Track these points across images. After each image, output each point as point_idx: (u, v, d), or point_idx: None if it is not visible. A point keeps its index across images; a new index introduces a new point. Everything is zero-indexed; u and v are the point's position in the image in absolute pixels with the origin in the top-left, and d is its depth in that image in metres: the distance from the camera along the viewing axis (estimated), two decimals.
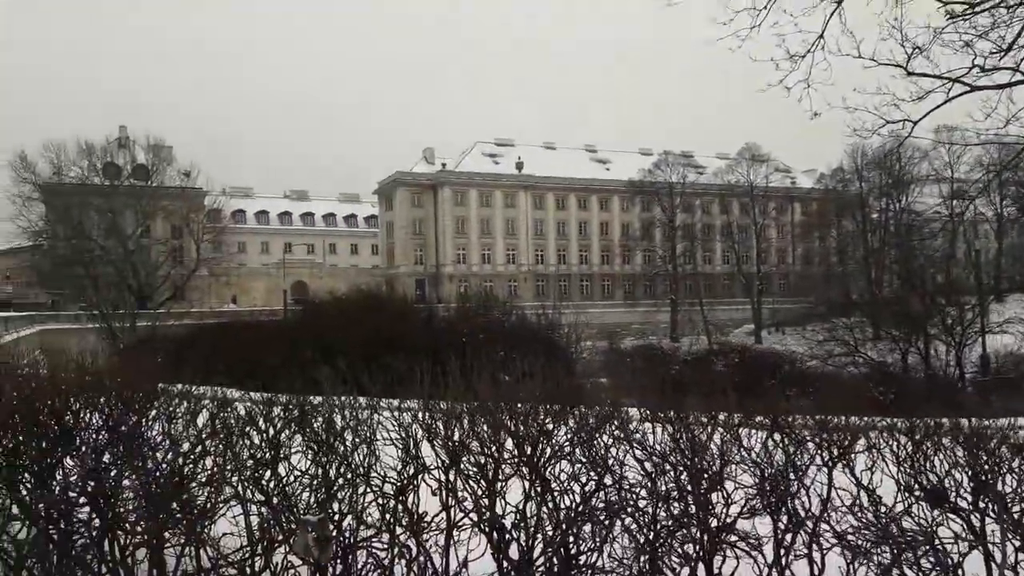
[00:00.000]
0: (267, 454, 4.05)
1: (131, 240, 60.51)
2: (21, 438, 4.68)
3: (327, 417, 4.00)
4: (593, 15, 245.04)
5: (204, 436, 4.51)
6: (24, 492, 4.42)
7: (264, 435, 4.09)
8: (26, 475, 4.52)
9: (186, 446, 4.63)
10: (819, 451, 4.24)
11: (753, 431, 4.41)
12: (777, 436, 4.27)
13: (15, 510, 4.26)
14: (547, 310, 24.58)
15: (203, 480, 4.26)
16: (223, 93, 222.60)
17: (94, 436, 4.68)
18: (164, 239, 67.55)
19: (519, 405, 4.16)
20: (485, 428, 3.96)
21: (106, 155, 65.48)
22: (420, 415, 4.05)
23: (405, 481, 3.82)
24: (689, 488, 4.05)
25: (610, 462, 4.05)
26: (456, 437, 3.85)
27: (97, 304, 41.51)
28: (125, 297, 47.55)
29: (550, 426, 4.06)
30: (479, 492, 3.82)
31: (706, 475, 4.06)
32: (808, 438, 4.26)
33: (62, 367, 5.46)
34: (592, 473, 3.99)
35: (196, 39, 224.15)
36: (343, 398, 4.27)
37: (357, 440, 3.90)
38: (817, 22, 10.12)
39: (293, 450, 4.12)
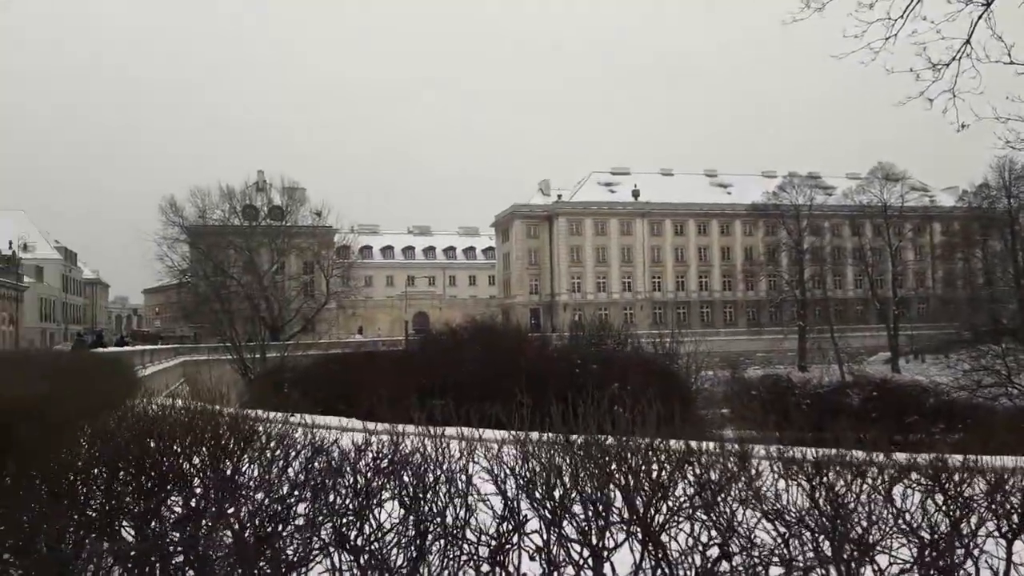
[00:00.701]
0: (358, 502, 3.79)
1: (266, 276, 63.96)
2: (126, 479, 4.70)
3: (421, 465, 3.69)
4: (710, 38, 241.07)
5: (299, 481, 4.36)
6: (124, 536, 4.41)
7: (355, 481, 3.83)
8: (125, 520, 4.50)
9: (284, 489, 4.50)
10: (993, 516, 3.53)
11: (909, 487, 3.75)
12: (939, 496, 3.59)
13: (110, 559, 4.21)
14: (664, 338, 23.62)
15: (293, 530, 4.08)
16: (353, 135, 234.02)
17: (193, 480, 4.62)
18: (297, 275, 71.25)
19: (630, 456, 3.70)
20: (591, 483, 3.53)
21: (245, 198, 69.92)
22: (520, 462, 3.66)
23: (502, 540, 3.45)
24: (831, 557, 3.45)
25: (737, 523, 3.51)
26: (557, 496, 3.43)
27: (232, 337, 43.85)
28: (258, 330, 50.10)
29: (665, 477, 3.57)
30: (584, 556, 3.38)
31: (852, 543, 3.45)
32: (979, 500, 3.56)
33: (167, 414, 5.43)
34: (715, 536, 3.46)
35: (329, 83, 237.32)
36: (439, 442, 3.95)
37: (452, 492, 3.56)
38: (960, 28, 9.14)
39: (386, 497, 3.85)
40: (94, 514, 4.51)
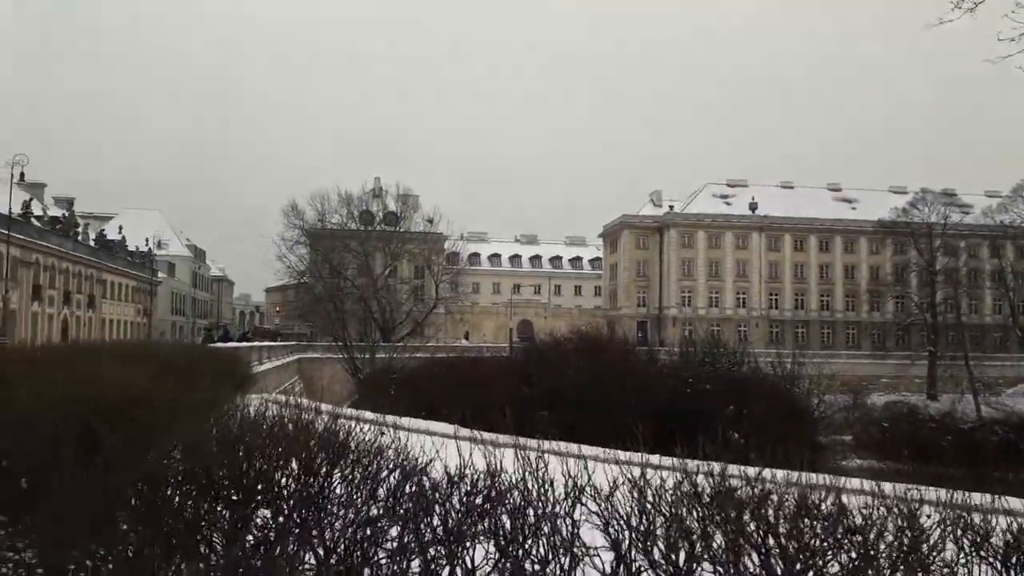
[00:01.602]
0: (449, 540, 3.36)
1: (379, 279, 65.84)
2: (216, 490, 4.49)
3: (520, 507, 3.20)
4: (838, 49, 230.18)
5: (388, 505, 4.01)
6: (207, 549, 4.18)
7: (447, 518, 3.39)
8: (210, 532, 4.27)
9: (372, 511, 4.16)
10: None
11: None
12: None
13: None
14: (784, 359, 22.16)
15: (380, 560, 3.72)
16: (464, 143, 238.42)
17: (281, 494, 4.36)
18: (408, 279, 73.20)
19: (771, 511, 3.08)
20: (723, 540, 2.95)
21: (362, 203, 72.35)
22: (635, 511, 3.10)
23: None
24: None
25: None
26: (682, 561, 2.86)
27: (343, 337, 45.06)
28: (369, 331, 51.39)
29: (816, 543, 2.93)
30: None
31: None
32: None
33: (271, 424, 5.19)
34: None
35: (443, 90, 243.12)
36: (541, 477, 3.46)
37: (556, 539, 3.06)
38: None
39: (480, 530, 3.39)
40: (180, 524, 4.31)
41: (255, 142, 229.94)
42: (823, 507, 3.11)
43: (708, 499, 3.13)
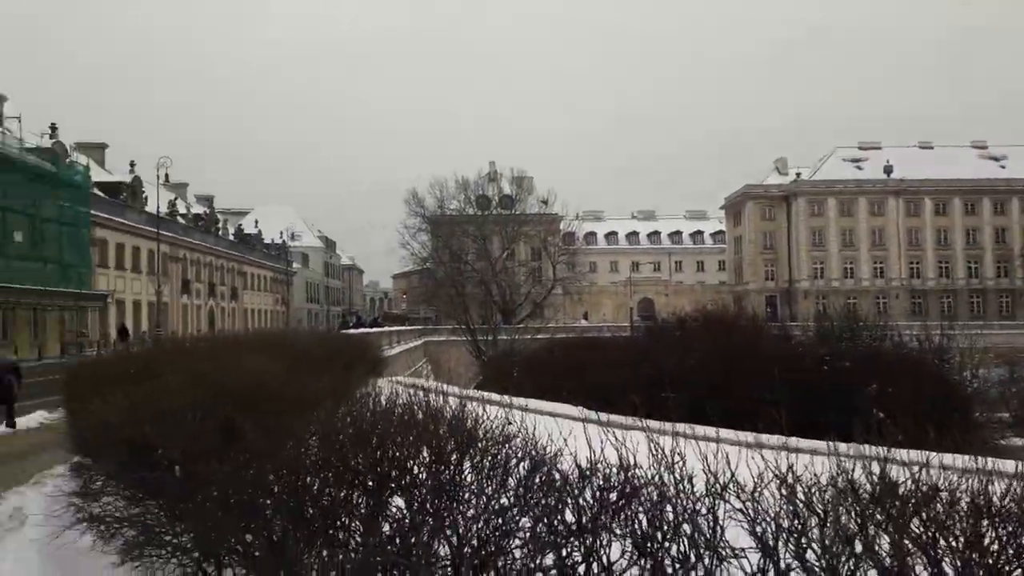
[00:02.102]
0: (583, 536, 3.24)
1: (498, 262, 66.69)
2: (352, 478, 4.59)
3: (657, 503, 3.04)
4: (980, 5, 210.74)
5: (519, 494, 3.95)
6: (343, 538, 4.28)
7: (579, 514, 3.28)
8: (348, 520, 4.36)
9: (503, 500, 4.11)
10: None
11: None
12: None
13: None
14: (930, 332, 20.56)
15: (513, 551, 3.66)
16: (574, 116, 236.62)
17: (414, 483, 4.39)
18: (525, 261, 73.73)
19: (934, 505, 2.77)
20: (881, 541, 2.68)
21: (478, 188, 73.37)
22: (785, 507, 2.87)
23: None
24: None
25: None
26: (839, 565, 2.61)
27: (466, 320, 45.96)
28: (490, 313, 52.20)
29: (997, 547, 2.61)
30: None
31: None
32: None
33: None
34: None
35: (554, 69, 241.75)
36: (679, 471, 3.27)
37: (697, 537, 2.88)
38: None
39: (615, 525, 3.25)
40: (319, 511, 4.44)
41: (381, 143, 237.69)
42: (1006, 503, 2.76)
43: (867, 496, 2.85)
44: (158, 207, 51.63)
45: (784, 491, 2.89)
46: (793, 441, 7.74)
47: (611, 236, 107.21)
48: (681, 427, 5.14)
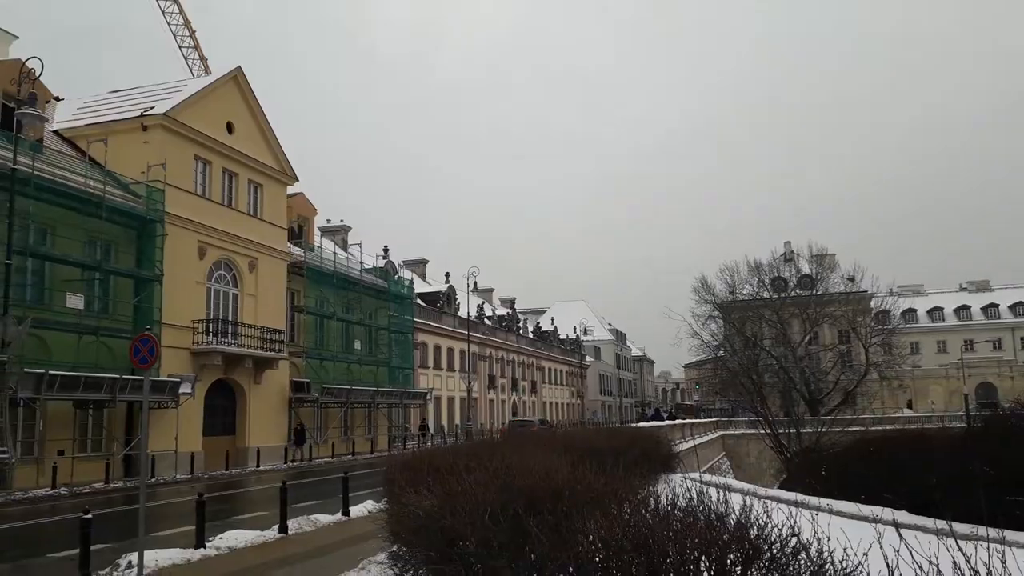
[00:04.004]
0: None
1: (799, 347, 62.39)
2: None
3: None
4: None
5: None
6: None
7: None
8: None
9: None
10: None
11: None
12: None
13: None
14: None
15: None
16: (884, 194, 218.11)
17: None
18: (831, 344, 67.97)
19: None
20: None
21: (772, 270, 70.18)
22: None
23: None
24: None
25: None
26: None
27: (764, 412, 43.39)
28: (792, 404, 48.68)
29: None
30: None
31: None
32: None
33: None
34: None
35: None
36: None
37: None
38: None
39: None
40: None
41: (659, 226, 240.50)
42: None
43: None
44: (468, 311, 56.99)
45: None
46: None
47: (935, 312, 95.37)
48: (1013, 536, 4.36)
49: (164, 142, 30.10)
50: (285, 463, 33.78)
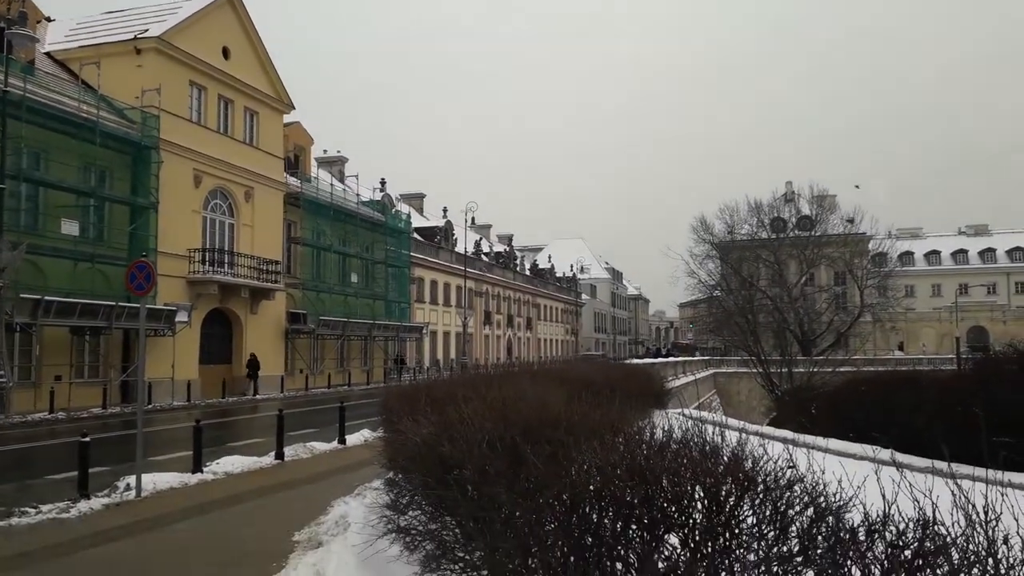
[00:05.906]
0: None
1: (794, 288, 62.56)
2: (627, 512, 4.61)
3: (957, 564, 2.64)
4: None
5: (805, 544, 3.66)
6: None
7: (868, 565, 2.96)
8: (622, 554, 4.38)
9: (785, 549, 3.85)
10: None
11: None
12: None
13: None
14: None
15: None
16: (899, 134, 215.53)
17: (689, 522, 4.28)
18: (826, 286, 68.21)
19: None
20: None
21: (772, 211, 69.79)
22: None
23: None
24: None
25: None
26: None
27: (756, 351, 43.76)
28: (785, 344, 49.08)
29: None
30: None
31: None
32: None
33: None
34: None
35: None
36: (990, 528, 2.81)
37: None
38: None
39: None
40: (597, 542, 4.51)
41: (670, 167, 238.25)
42: None
43: None
44: (466, 247, 56.74)
45: None
46: None
47: (932, 256, 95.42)
48: (1007, 476, 4.40)
49: (158, 66, 29.38)
50: (282, 392, 34.20)
